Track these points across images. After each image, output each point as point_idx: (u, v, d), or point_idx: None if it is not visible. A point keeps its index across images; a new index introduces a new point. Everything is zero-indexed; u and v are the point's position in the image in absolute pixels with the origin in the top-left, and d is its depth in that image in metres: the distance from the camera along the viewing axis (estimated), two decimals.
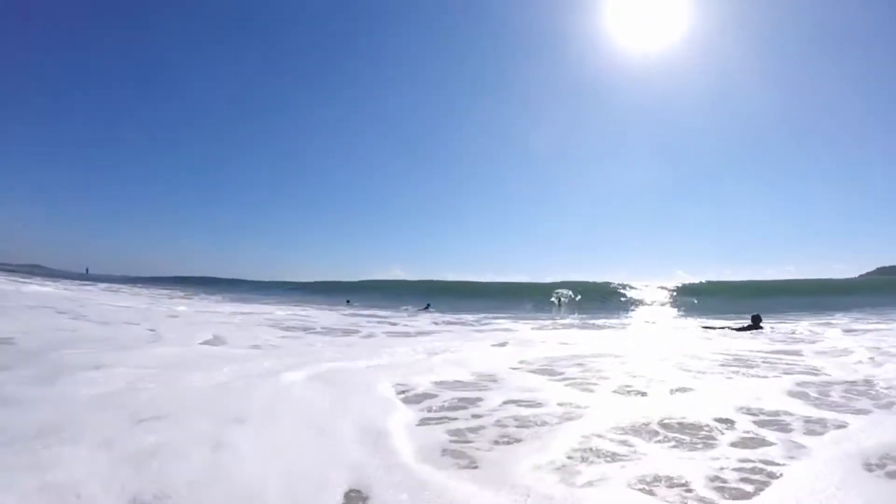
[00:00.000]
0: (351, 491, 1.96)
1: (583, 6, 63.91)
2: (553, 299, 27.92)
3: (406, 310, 17.95)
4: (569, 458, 2.35)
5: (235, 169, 78.70)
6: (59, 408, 2.73)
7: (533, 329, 9.93)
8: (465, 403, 3.41)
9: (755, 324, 9.75)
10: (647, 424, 2.88)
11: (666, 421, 2.95)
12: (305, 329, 8.58)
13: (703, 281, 29.70)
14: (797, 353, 6.15)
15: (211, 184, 78.56)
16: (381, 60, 75.66)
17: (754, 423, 2.96)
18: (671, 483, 2.08)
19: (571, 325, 11.48)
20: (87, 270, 51.66)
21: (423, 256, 69.44)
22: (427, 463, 2.26)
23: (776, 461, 2.32)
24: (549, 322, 12.62)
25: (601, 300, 27.32)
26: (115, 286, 27.59)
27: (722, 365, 5.14)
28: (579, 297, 28.08)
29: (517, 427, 2.86)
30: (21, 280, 21.20)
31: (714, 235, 67.73)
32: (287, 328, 8.53)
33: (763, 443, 2.59)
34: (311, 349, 5.92)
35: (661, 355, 5.78)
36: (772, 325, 10.44)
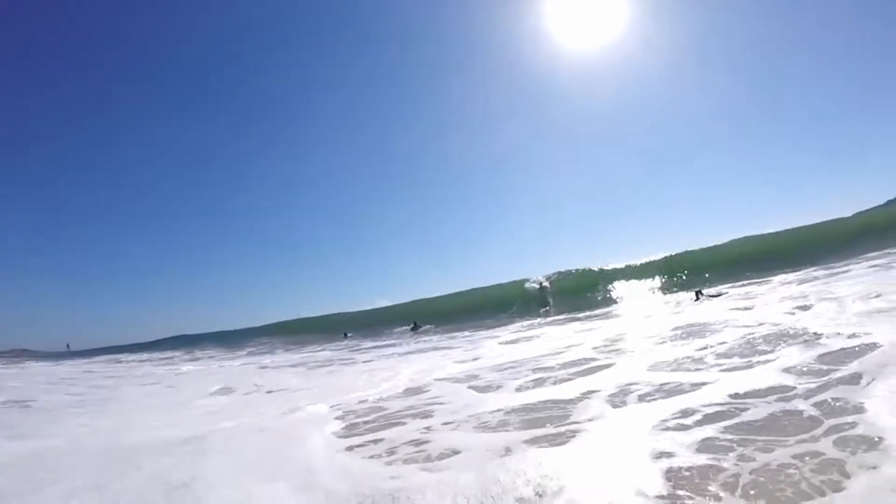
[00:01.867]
0: None
1: (522, 11, 66.04)
2: (533, 284, 28.48)
3: (395, 333, 18.90)
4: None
5: (200, 221, 76.69)
6: None
7: (511, 334, 10.80)
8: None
9: (697, 296, 11.58)
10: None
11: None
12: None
13: (682, 251, 30.66)
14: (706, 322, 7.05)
15: (171, 233, 76.15)
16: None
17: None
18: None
19: (552, 322, 12.32)
20: (67, 346, 48.85)
21: (406, 281, 69.15)
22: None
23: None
24: (532, 322, 13.51)
25: (585, 286, 28.16)
26: (115, 356, 27.84)
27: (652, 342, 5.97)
28: (555, 277, 28.70)
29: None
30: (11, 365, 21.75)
31: (693, 209, 69.06)
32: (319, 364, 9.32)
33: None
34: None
35: (594, 343, 6.62)
36: (740, 288, 11.31)
